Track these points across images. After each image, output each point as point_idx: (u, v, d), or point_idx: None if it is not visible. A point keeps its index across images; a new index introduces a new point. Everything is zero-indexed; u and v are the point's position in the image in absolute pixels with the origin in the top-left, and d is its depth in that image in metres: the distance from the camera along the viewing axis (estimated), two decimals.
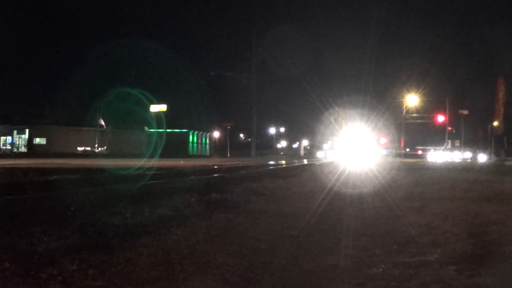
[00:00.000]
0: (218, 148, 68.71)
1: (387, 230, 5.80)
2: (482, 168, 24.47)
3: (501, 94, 49.45)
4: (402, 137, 48.86)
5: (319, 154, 48.03)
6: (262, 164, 25.86)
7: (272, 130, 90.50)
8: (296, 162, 30.54)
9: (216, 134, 69.94)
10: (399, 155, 46.27)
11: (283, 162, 31.51)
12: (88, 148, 53.81)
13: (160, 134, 55.82)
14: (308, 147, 55.79)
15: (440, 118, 46.62)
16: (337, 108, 41.93)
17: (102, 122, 55.36)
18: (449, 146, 52.77)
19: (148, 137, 57.50)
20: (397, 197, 9.24)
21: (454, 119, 52.61)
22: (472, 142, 55.72)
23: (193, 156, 53.22)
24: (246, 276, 3.77)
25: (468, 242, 5.06)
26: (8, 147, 57.84)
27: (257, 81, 48.47)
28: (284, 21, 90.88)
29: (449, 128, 52.26)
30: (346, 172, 16.89)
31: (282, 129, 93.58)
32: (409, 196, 9.55)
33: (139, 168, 18.21)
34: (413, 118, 47.72)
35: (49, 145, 52.81)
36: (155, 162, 24.60)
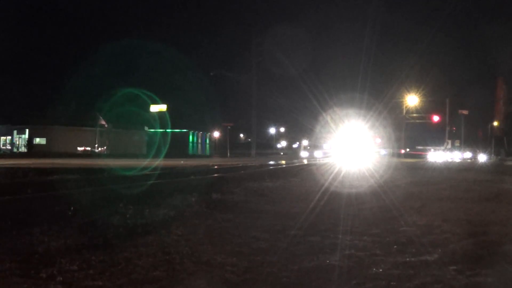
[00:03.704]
0: (218, 148, 68.70)
1: (387, 230, 5.80)
2: (482, 168, 24.47)
3: (501, 94, 49.48)
4: (402, 136, 48.90)
5: (318, 154, 48.00)
6: (262, 164, 25.84)
7: (272, 130, 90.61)
8: (296, 162, 30.53)
9: (216, 134, 69.94)
10: (398, 155, 46.29)
11: (283, 162, 31.51)
12: (88, 148, 53.85)
13: (160, 134, 55.86)
14: (308, 147, 55.87)
15: (435, 118, 46.68)
16: (336, 108, 41.96)
17: (103, 122, 55.36)
18: (449, 146, 52.80)
19: (148, 137, 57.53)
20: (396, 197, 9.24)
21: (454, 119, 52.68)
22: (472, 142, 55.73)
23: (193, 156, 53.21)
24: (246, 276, 3.77)
25: (468, 242, 5.06)
26: (8, 147, 57.84)
27: (257, 81, 48.51)
28: (284, 21, 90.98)
29: (454, 128, 52.32)
30: (346, 172, 16.89)
31: (282, 129, 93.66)
32: (409, 196, 9.55)
33: (139, 168, 18.21)
34: (413, 118, 47.78)
35: (49, 145, 52.81)
36: (155, 162, 24.59)
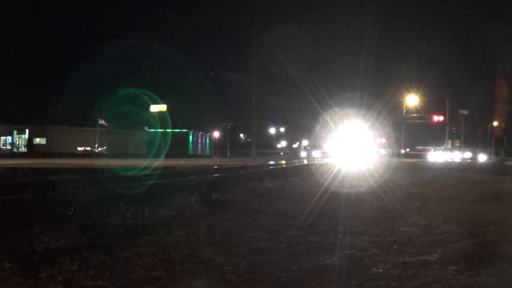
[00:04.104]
0: (218, 148, 68.68)
1: (387, 230, 5.80)
2: (482, 168, 24.47)
3: (501, 94, 49.50)
4: (402, 136, 48.93)
5: (318, 154, 47.99)
6: (262, 164, 25.85)
7: (272, 130, 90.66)
8: (296, 162, 30.53)
9: (216, 134, 69.93)
10: (398, 155, 46.30)
11: (283, 162, 31.52)
12: (88, 148, 53.83)
13: (161, 134, 55.87)
14: (308, 147, 55.85)
15: (435, 118, 46.74)
16: (336, 108, 41.93)
17: (103, 122, 55.36)
18: (449, 146, 52.84)
19: (149, 137, 57.53)
20: (396, 197, 9.24)
21: (454, 119, 52.73)
22: (472, 142, 55.78)
23: (193, 156, 53.19)
24: (246, 276, 3.77)
25: (468, 242, 5.06)
26: (8, 147, 57.85)
27: (257, 81, 48.46)
28: (284, 21, 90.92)
29: (454, 128, 52.38)
30: (345, 172, 16.89)
31: (282, 129, 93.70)
32: (409, 196, 9.55)
33: (139, 168, 18.22)
34: (413, 118, 47.82)
35: (49, 145, 52.86)
36: (155, 162, 24.60)
